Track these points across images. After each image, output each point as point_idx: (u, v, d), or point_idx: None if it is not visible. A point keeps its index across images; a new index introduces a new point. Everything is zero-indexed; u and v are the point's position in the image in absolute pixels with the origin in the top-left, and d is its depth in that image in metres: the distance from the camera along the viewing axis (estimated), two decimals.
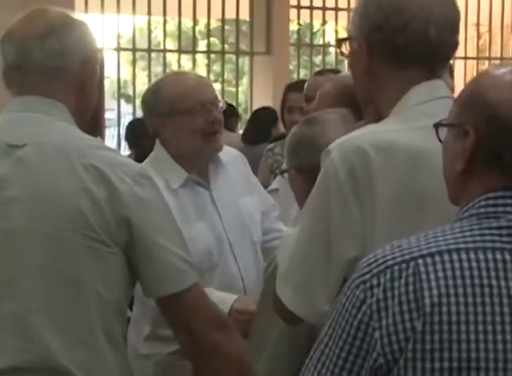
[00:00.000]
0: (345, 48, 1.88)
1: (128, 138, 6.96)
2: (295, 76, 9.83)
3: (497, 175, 1.38)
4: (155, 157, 2.79)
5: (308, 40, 10.58)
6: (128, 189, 1.82)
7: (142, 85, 11.92)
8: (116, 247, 1.82)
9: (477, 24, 10.75)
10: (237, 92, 10.03)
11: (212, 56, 10.34)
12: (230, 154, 2.85)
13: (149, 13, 9.03)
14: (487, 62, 10.79)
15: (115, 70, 9.24)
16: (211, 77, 10.27)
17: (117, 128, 9.46)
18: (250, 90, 9.66)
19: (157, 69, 11.69)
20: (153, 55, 9.98)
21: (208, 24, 9.82)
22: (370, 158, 1.69)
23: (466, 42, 10.06)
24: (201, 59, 12.59)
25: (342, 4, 9.78)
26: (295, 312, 1.79)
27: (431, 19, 1.75)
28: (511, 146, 1.36)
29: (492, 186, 1.38)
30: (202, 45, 12.89)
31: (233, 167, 2.86)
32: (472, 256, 1.32)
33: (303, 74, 10.46)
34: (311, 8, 9.81)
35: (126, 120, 8.20)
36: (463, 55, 10.17)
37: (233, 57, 10.05)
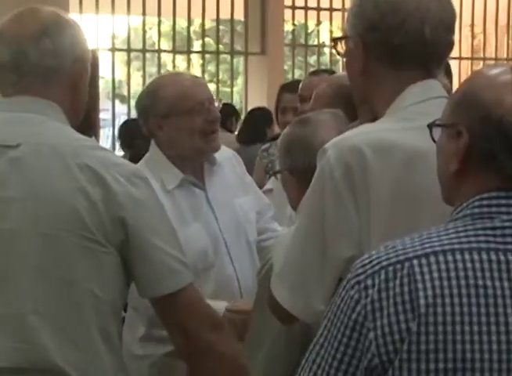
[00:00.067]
0: (341, 47, 1.88)
1: (121, 138, 6.93)
2: (290, 76, 9.83)
3: (491, 176, 1.37)
4: (150, 158, 2.79)
5: (302, 40, 10.59)
6: (124, 189, 1.83)
7: (137, 86, 11.92)
8: (111, 247, 1.82)
9: (472, 25, 10.77)
10: (232, 92, 10.04)
11: (207, 56, 10.34)
12: (225, 154, 2.85)
13: (143, 14, 9.03)
14: (481, 62, 10.81)
15: (110, 70, 9.24)
16: (206, 77, 10.26)
17: (111, 129, 9.46)
18: (245, 90, 9.67)
19: (152, 69, 11.68)
20: (148, 55, 9.99)
21: (203, 24, 9.83)
22: (366, 157, 1.69)
23: (461, 43, 10.08)
24: (196, 59, 12.59)
25: (337, 4, 9.79)
26: (290, 311, 1.79)
27: (427, 19, 1.75)
28: (505, 146, 1.35)
29: (485, 186, 1.38)
30: (197, 46, 12.88)
31: (228, 166, 2.86)
32: (467, 257, 1.32)
33: (298, 74, 10.46)
34: (305, 8, 9.82)
35: (121, 120, 8.20)
36: (457, 55, 10.18)
37: (228, 57, 10.06)
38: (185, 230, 2.61)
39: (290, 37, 10.45)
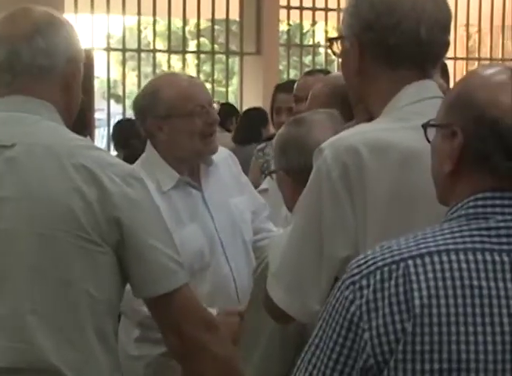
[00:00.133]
0: (337, 47, 1.88)
1: (115, 138, 6.90)
2: (285, 76, 9.84)
3: (485, 176, 1.38)
4: (146, 159, 2.78)
5: (297, 40, 10.59)
6: (119, 189, 1.83)
7: (132, 85, 11.91)
8: (107, 247, 1.82)
9: (467, 25, 10.78)
10: (227, 92, 10.04)
11: (202, 56, 10.33)
12: (221, 154, 2.85)
13: (139, 13, 9.03)
14: (476, 62, 10.82)
15: (105, 70, 9.23)
16: (201, 77, 10.25)
17: (106, 128, 9.45)
18: (240, 90, 9.67)
19: (147, 69, 11.67)
20: (143, 55, 9.98)
21: (198, 24, 9.83)
22: (363, 157, 1.69)
23: (456, 43, 10.09)
24: (191, 59, 12.59)
25: (332, 4, 9.79)
26: (287, 311, 1.79)
27: (422, 19, 1.76)
28: (499, 146, 1.36)
29: (480, 186, 1.38)
30: (192, 45, 12.88)
31: (224, 167, 2.86)
32: (462, 257, 1.32)
33: (293, 74, 10.46)
34: (301, 8, 9.82)
35: (116, 120, 8.19)
36: (452, 55, 10.19)
37: (223, 57, 10.06)
38: (182, 231, 2.61)
39: (285, 37, 10.45)
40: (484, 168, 1.37)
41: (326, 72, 3.74)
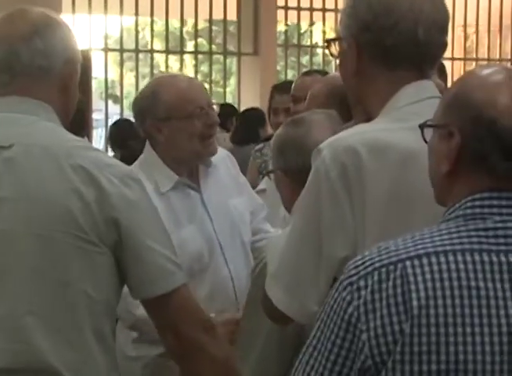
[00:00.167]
0: (335, 49, 1.88)
1: (112, 138, 6.87)
2: (282, 76, 9.85)
3: (483, 177, 1.37)
4: (145, 160, 2.78)
5: (295, 41, 10.60)
6: (117, 190, 1.83)
7: (130, 86, 11.92)
8: (105, 248, 1.82)
9: (465, 25, 10.79)
10: (225, 92, 10.04)
11: (200, 56, 10.35)
12: (219, 155, 2.85)
13: (136, 14, 9.03)
14: (474, 63, 10.83)
15: (102, 70, 9.24)
16: (199, 77, 10.26)
17: (104, 129, 9.45)
18: (238, 91, 9.67)
19: (145, 69, 11.69)
20: (141, 55, 9.99)
21: (196, 25, 9.84)
22: (362, 157, 1.68)
23: (454, 43, 10.10)
24: (189, 59, 12.59)
25: (329, 5, 9.80)
26: (285, 312, 1.79)
27: (420, 20, 1.75)
28: (496, 147, 1.35)
29: (477, 187, 1.38)
30: (189, 46, 12.89)
31: (223, 168, 2.86)
32: (459, 258, 1.32)
33: (290, 74, 10.48)
34: (298, 9, 9.83)
35: (113, 120, 8.19)
36: (450, 56, 10.20)
37: (221, 58, 10.06)
38: (180, 232, 2.61)
39: (282, 37, 10.46)
40: (481, 168, 1.37)
41: (324, 72, 3.74)
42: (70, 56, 1.95)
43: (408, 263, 1.33)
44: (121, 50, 9.32)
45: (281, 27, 10.49)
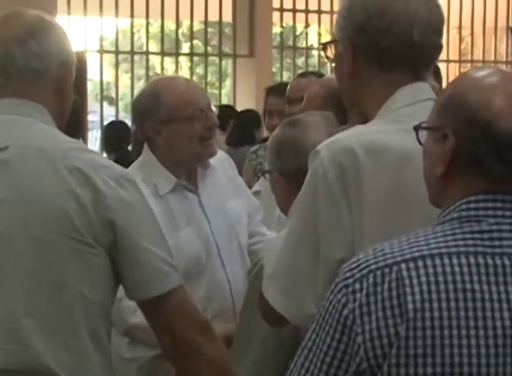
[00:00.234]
0: (330, 52, 1.88)
1: (107, 140, 6.85)
2: (278, 78, 9.85)
3: (478, 179, 1.37)
4: (143, 162, 2.78)
5: (290, 42, 10.59)
6: (113, 192, 1.83)
7: (125, 88, 11.92)
8: (100, 249, 1.82)
9: (460, 27, 10.80)
10: (220, 94, 10.04)
11: (195, 58, 10.33)
12: (218, 157, 2.85)
13: (131, 16, 9.03)
14: (469, 65, 10.84)
15: (98, 72, 9.24)
16: (194, 79, 10.24)
17: (99, 131, 9.44)
18: (234, 92, 9.67)
19: (140, 71, 11.67)
20: (136, 57, 9.98)
21: (191, 27, 9.83)
22: (359, 158, 1.68)
23: (449, 45, 10.11)
24: (184, 61, 12.59)
25: (325, 7, 9.80)
26: (283, 313, 1.79)
27: (415, 22, 1.76)
28: (491, 149, 1.35)
29: (472, 189, 1.38)
30: (185, 48, 12.89)
31: (221, 170, 2.86)
32: (455, 261, 1.32)
33: (286, 76, 10.47)
34: (294, 11, 9.82)
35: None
36: (445, 58, 10.21)
37: (216, 59, 10.06)
38: (178, 234, 2.61)
39: (278, 39, 10.47)
40: (476, 170, 1.37)
41: (320, 74, 3.75)
42: (65, 58, 1.96)
43: (403, 266, 1.33)
44: (117, 52, 9.32)
45: (276, 29, 10.50)
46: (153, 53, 10.33)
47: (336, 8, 9.68)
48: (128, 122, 7.36)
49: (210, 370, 1.91)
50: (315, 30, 11.26)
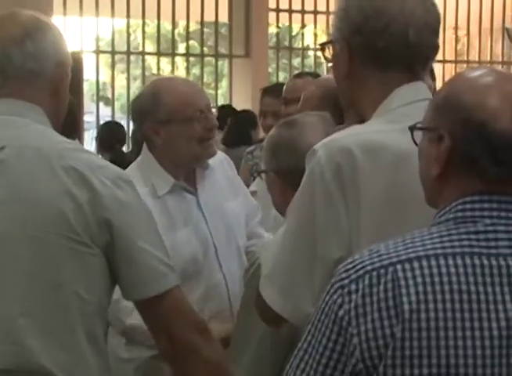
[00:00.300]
0: (328, 52, 1.88)
1: (102, 140, 6.82)
2: (274, 79, 9.86)
3: (473, 179, 1.37)
4: (142, 163, 2.78)
5: (286, 43, 10.61)
6: (110, 192, 1.83)
7: (121, 88, 11.90)
8: (97, 249, 1.83)
9: (456, 28, 10.81)
10: (216, 94, 10.04)
11: (191, 58, 10.33)
12: (216, 157, 2.84)
13: (128, 16, 9.02)
14: (465, 65, 10.84)
15: (94, 72, 9.23)
16: (190, 79, 10.24)
17: (95, 131, 9.43)
18: (230, 93, 9.67)
19: (136, 72, 11.68)
20: (132, 57, 9.97)
21: (187, 27, 9.83)
22: (357, 158, 1.68)
23: (445, 46, 10.11)
24: (180, 61, 12.57)
25: (321, 7, 9.80)
26: (280, 312, 1.79)
27: (411, 22, 1.76)
28: (486, 150, 1.35)
29: (468, 190, 1.38)
30: (181, 48, 12.87)
31: (220, 170, 2.86)
32: (450, 262, 1.32)
33: (282, 76, 10.48)
34: (290, 11, 9.83)
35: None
36: (441, 58, 10.22)
37: (212, 60, 10.06)
38: (176, 235, 2.61)
39: (274, 39, 10.47)
40: (472, 171, 1.37)
41: (316, 75, 3.74)
42: (61, 59, 1.96)
43: (399, 267, 1.33)
44: (113, 52, 9.31)
45: (272, 30, 10.51)
46: (149, 54, 10.33)
47: (332, 8, 9.68)
48: (124, 123, 7.37)
49: (207, 371, 1.91)
50: (311, 31, 11.27)
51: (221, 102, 10.09)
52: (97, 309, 1.87)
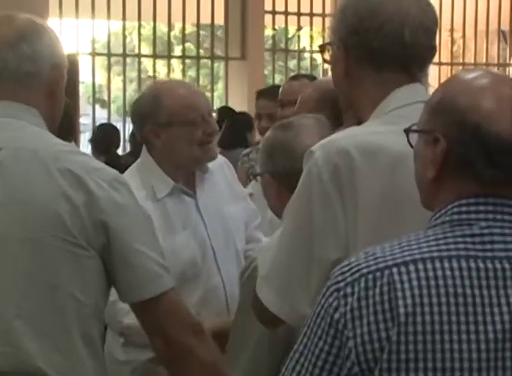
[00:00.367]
0: (327, 54, 1.89)
1: (97, 142, 6.80)
2: (270, 81, 9.84)
3: (469, 182, 1.37)
4: (142, 165, 2.78)
5: (283, 45, 10.60)
6: (106, 194, 1.83)
7: (117, 90, 11.91)
8: (93, 251, 1.83)
9: (451, 30, 10.82)
10: (212, 97, 10.03)
11: (187, 61, 10.33)
12: (216, 161, 2.84)
13: (123, 18, 9.01)
14: (461, 67, 10.85)
15: (90, 75, 9.22)
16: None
17: (91, 133, 9.42)
18: (226, 95, 9.67)
19: (132, 74, 11.67)
20: (128, 60, 9.98)
21: (183, 29, 9.83)
22: (354, 159, 1.69)
23: (441, 48, 10.12)
24: (176, 64, 12.58)
25: (317, 9, 9.80)
26: (277, 314, 1.79)
27: (406, 22, 1.76)
28: (481, 152, 1.35)
29: (464, 193, 1.37)
30: (177, 50, 12.86)
31: (219, 174, 2.86)
32: (446, 265, 1.32)
33: (278, 79, 10.48)
34: (286, 13, 9.82)
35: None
36: (437, 60, 10.23)
37: (208, 62, 10.05)
38: (174, 238, 2.62)
39: (270, 42, 10.46)
40: (467, 174, 1.37)
41: (312, 77, 3.75)
42: (57, 61, 1.96)
43: (395, 270, 1.32)
44: (109, 54, 9.30)
45: (268, 32, 10.49)
46: (145, 56, 10.34)
47: (328, 11, 9.70)
48: (120, 125, 7.36)
49: (203, 373, 1.91)
50: (307, 33, 11.26)
51: (217, 104, 10.08)
52: (93, 312, 1.87)
